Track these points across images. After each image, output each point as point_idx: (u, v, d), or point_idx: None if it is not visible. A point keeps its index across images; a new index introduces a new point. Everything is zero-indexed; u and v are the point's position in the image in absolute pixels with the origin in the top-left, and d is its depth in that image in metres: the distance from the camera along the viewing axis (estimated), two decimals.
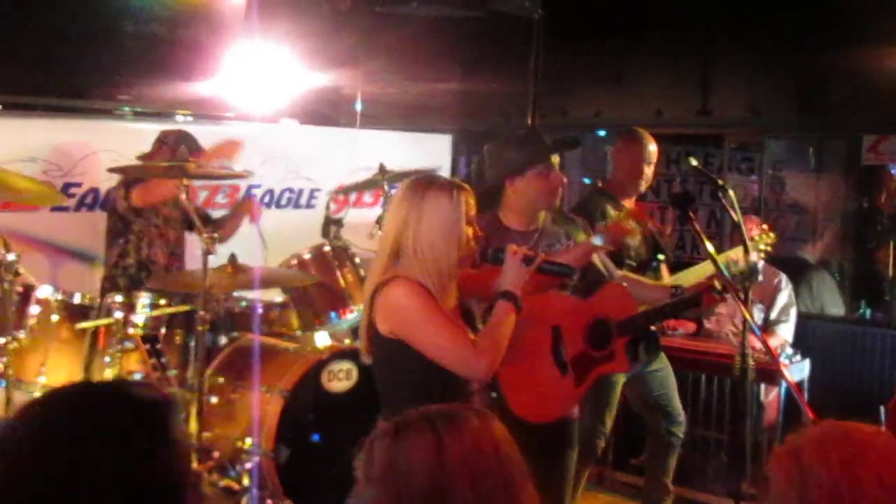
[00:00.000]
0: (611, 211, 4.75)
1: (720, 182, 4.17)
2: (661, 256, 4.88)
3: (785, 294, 5.84)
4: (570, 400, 3.93)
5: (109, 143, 5.62)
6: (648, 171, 4.90)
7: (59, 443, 1.48)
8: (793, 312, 5.83)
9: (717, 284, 4.12)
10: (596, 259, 4.17)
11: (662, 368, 4.92)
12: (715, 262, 3.69)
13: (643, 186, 4.95)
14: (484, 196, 4.04)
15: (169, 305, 4.76)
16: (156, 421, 1.55)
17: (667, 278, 4.88)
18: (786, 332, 5.78)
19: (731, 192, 4.02)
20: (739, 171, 7.34)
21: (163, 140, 5.33)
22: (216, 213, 5.86)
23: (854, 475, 1.77)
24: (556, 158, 3.97)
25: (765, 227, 5.17)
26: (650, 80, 7.19)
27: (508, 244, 3.34)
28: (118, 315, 4.54)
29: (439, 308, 3.04)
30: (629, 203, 4.92)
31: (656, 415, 4.98)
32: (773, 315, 5.78)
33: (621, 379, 4.69)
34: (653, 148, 4.89)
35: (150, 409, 1.56)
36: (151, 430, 1.54)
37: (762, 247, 5.02)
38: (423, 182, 3.17)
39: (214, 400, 4.75)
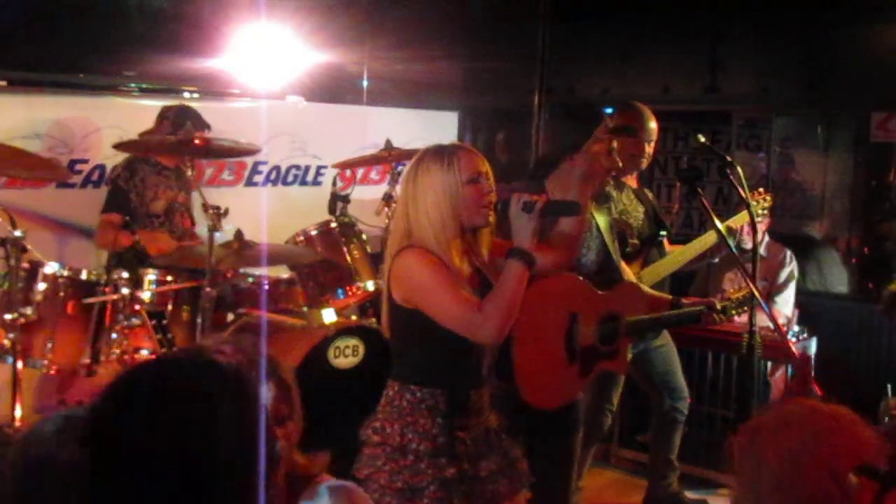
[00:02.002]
0: (612, 191, 4.73)
1: (728, 158, 4.15)
2: (663, 232, 4.86)
3: (787, 269, 5.83)
4: (573, 389, 3.94)
5: (114, 120, 5.62)
6: (649, 148, 4.85)
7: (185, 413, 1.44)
8: (791, 286, 5.82)
9: (717, 305, 4.20)
10: (609, 243, 4.17)
11: (665, 345, 4.92)
12: (722, 235, 3.69)
13: (644, 164, 4.92)
14: (538, 167, 4.05)
15: (175, 282, 4.76)
16: (243, 387, 1.52)
17: (671, 252, 4.87)
18: (782, 304, 5.78)
19: (738, 169, 4.00)
20: (747, 149, 7.30)
21: (164, 115, 5.34)
22: (222, 191, 5.87)
23: (803, 464, 1.71)
24: (615, 143, 3.92)
25: (760, 190, 5.14)
26: (658, 57, 7.15)
27: (514, 195, 3.15)
28: (125, 291, 4.54)
29: (447, 274, 3.02)
30: (630, 181, 4.90)
31: (660, 392, 4.99)
32: (773, 290, 5.78)
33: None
34: (653, 125, 4.85)
35: (236, 376, 1.53)
36: (239, 395, 1.50)
37: (760, 211, 5.01)
38: (421, 153, 3.16)
39: None
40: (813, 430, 1.75)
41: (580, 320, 3.83)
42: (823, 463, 1.70)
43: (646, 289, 4.35)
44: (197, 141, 4.56)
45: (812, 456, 1.71)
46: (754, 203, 4.95)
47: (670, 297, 4.38)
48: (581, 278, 3.91)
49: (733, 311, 4.36)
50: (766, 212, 5.07)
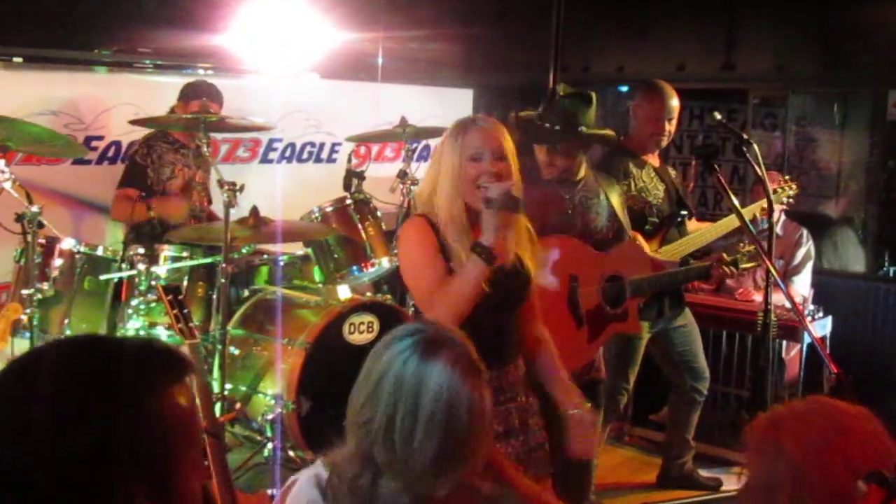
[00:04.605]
0: (632, 168, 4.71)
1: (744, 136, 4.12)
2: (683, 212, 4.84)
3: (804, 249, 5.81)
4: (582, 354, 3.92)
5: (129, 96, 5.61)
6: (670, 126, 4.82)
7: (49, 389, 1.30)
8: (808, 266, 5.81)
9: (726, 258, 4.20)
10: (620, 214, 4.16)
11: (687, 324, 4.90)
12: (740, 215, 3.66)
13: (664, 142, 4.89)
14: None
15: (191, 258, 4.78)
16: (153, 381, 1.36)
17: (694, 230, 4.85)
18: (800, 285, 5.77)
19: (755, 147, 3.98)
20: (763, 127, 7.27)
21: (184, 93, 5.34)
22: (238, 167, 5.87)
23: (824, 460, 1.72)
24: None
25: (787, 177, 5.14)
26: (674, 35, 7.12)
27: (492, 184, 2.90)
28: (141, 267, 4.56)
29: (432, 249, 2.94)
30: (651, 159, 4.87)
31: (680, 371, 4.98)
32: (790, 270, 5.78)
33: (644, 335, 4.69)
34: (674, 102, 4.81)
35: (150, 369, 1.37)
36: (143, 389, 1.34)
37: (784, 199, 5.00)
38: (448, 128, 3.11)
39: (236, 352, 4.78)
40: (838, 426, 1.76)
41: (580, 282, 3.80)
42: (844, 458, 1.71)
43: (649, 251, 4.31)
44: (212, 110, 4.56)
45: (834, 450, 1.72)
46: (778, 190, 4.94)
47: (680, 258, 4.36)
48: (576, 240, 3.89)
49: (744, 265, 4.38)
50: (790, 199, 5.06)
